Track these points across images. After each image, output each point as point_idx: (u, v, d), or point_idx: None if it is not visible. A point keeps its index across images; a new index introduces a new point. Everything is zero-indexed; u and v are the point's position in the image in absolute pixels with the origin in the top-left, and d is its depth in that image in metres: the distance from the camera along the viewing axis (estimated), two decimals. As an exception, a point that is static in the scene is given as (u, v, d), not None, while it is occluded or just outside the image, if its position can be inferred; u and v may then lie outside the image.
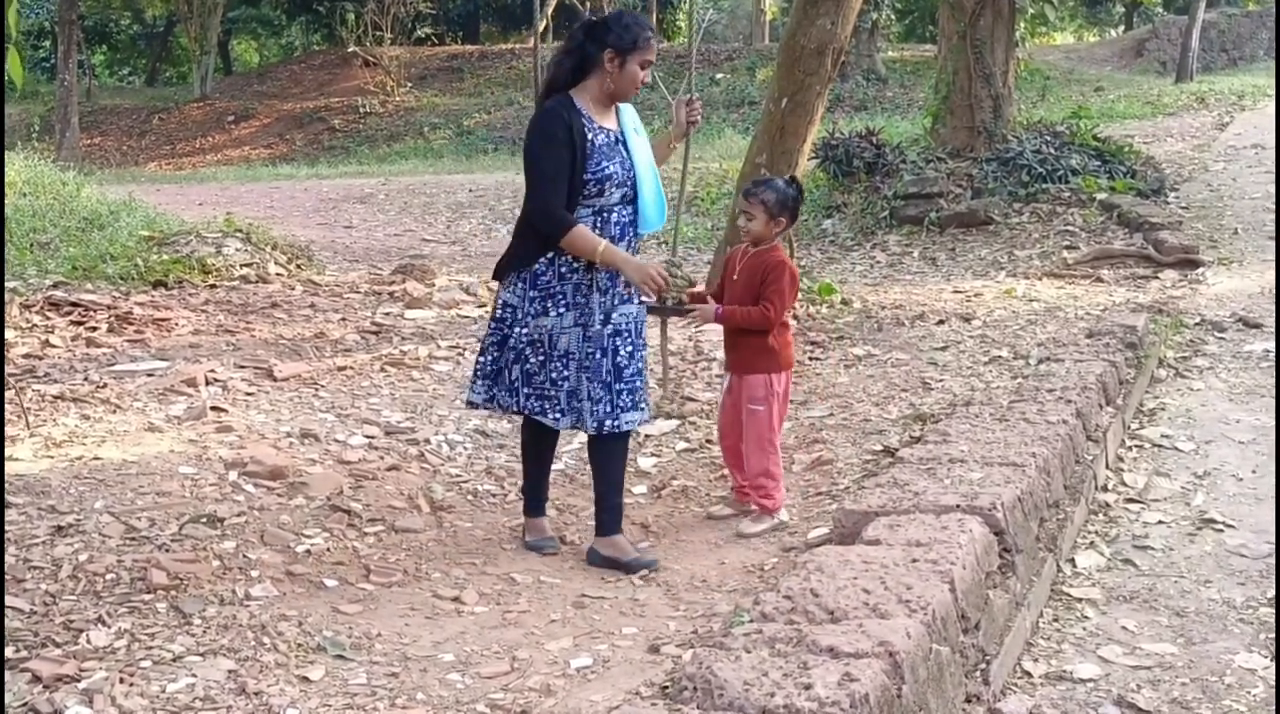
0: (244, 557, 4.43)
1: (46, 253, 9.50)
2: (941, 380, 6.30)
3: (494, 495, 5.29)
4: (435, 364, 7.03)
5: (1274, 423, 5.73)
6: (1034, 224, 11.12)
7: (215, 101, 31.76)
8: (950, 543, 3.80)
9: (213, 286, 8.90)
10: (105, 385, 6.35)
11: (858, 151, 12.91)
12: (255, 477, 5.17)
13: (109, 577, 4.20)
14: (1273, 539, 4.51)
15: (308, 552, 4.54)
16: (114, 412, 5.99)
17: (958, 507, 4.16)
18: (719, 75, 28.54)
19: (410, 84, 30.11)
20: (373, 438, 5.83)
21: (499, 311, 4.54)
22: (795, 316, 7.86)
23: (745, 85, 27.28)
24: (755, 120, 25.78)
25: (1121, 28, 38.55)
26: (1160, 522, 4.85)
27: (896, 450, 5.27)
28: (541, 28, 28.41)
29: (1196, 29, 25.71)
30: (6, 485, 4.74)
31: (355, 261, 11.26)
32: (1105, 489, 5.19)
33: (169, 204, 15.26)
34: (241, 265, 9.67)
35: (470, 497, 5.25)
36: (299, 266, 10.14)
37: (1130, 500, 5.07)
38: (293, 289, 8.93)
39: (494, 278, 4.66)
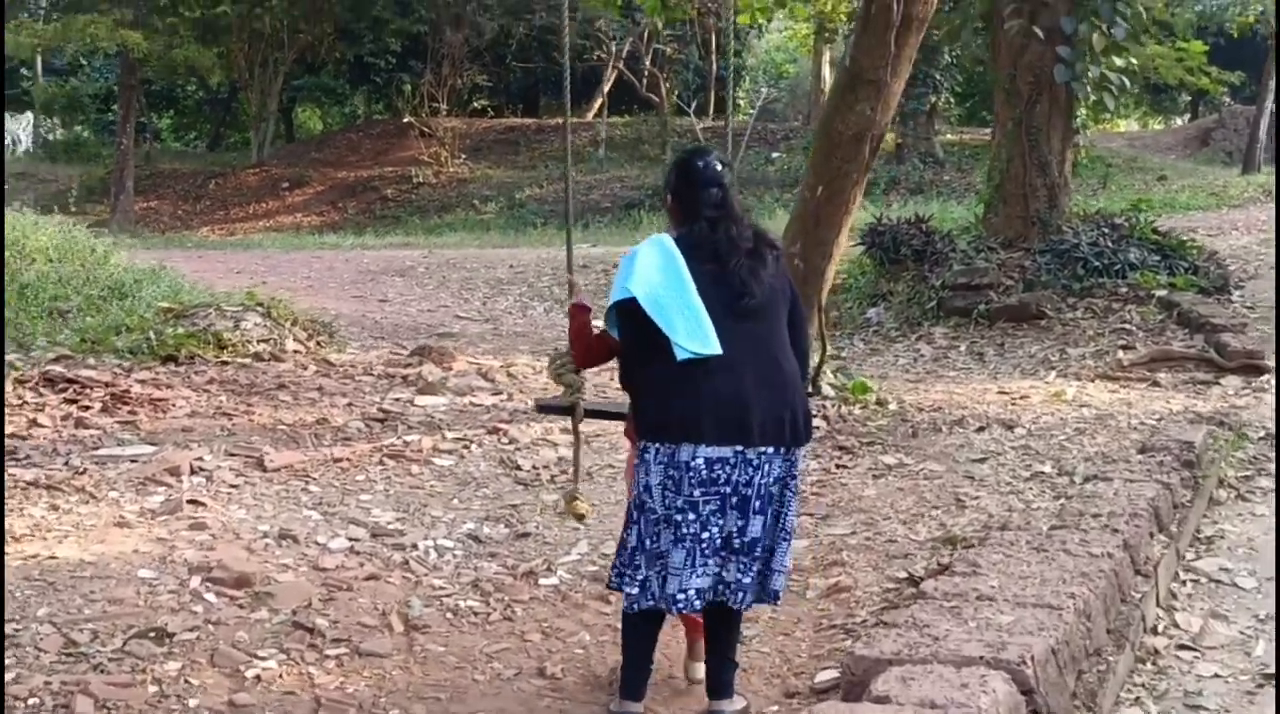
0: (185, 682, 4.01)
1: (62, 322, 9.25)
2: (977, 497, 5.79)
3: (476, 613, 4.82)
4: (438, 457, 6.62)
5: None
6: (1088, 321, 10.57)
7: (271, 168, 31.93)
8: (969, 706, 3.31)
9: (224, 363, 8.57)
10: (84, 471, 6.00)
11: (906, 238, 12.45)
12: (219, 584, 4.76)
13: (31, 702, 3.79)
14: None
15: (258, 677, 4.10)
16: (86, 502, 5.63)
17: (981, 659, 3.65)
18: (775, 154, 28.28)
19: (464, 155, 30.08)
20: (356, 541, 5.41)
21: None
22: (826, 417, 7.39)
23: (801, 165, 26.87)
24: (808, 201, 25.67)
25: (1187, 116, 37.96)
26: (1216, 675, 4.29)
27: (921, 580, 4.76)
28: (599, 104, 28.17)
29: (1265, 119, 25.09)
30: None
31: (380, 338, 10.92)
32: (1155, 631, 4.64)
33: (205, 272, 15.09)
34: (258, 341, 9.35)
35: (450, 614, 4.79)
36: (319, 343, 9.80)
37: (1183, 647, 4.52)
38: (305, 369, 8.58)
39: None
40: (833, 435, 7.03)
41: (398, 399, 7.76)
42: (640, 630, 3.87)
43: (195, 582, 4.76)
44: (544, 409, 4.68)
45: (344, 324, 11.54)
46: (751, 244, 3.81)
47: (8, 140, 44.83)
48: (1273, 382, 8.54)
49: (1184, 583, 5.11)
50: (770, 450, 3.69)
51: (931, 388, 8.75)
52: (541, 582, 5.12)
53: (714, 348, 3.67)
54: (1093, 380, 8.87)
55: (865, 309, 12.13)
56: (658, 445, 3.71)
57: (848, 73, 7.48)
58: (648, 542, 3.76)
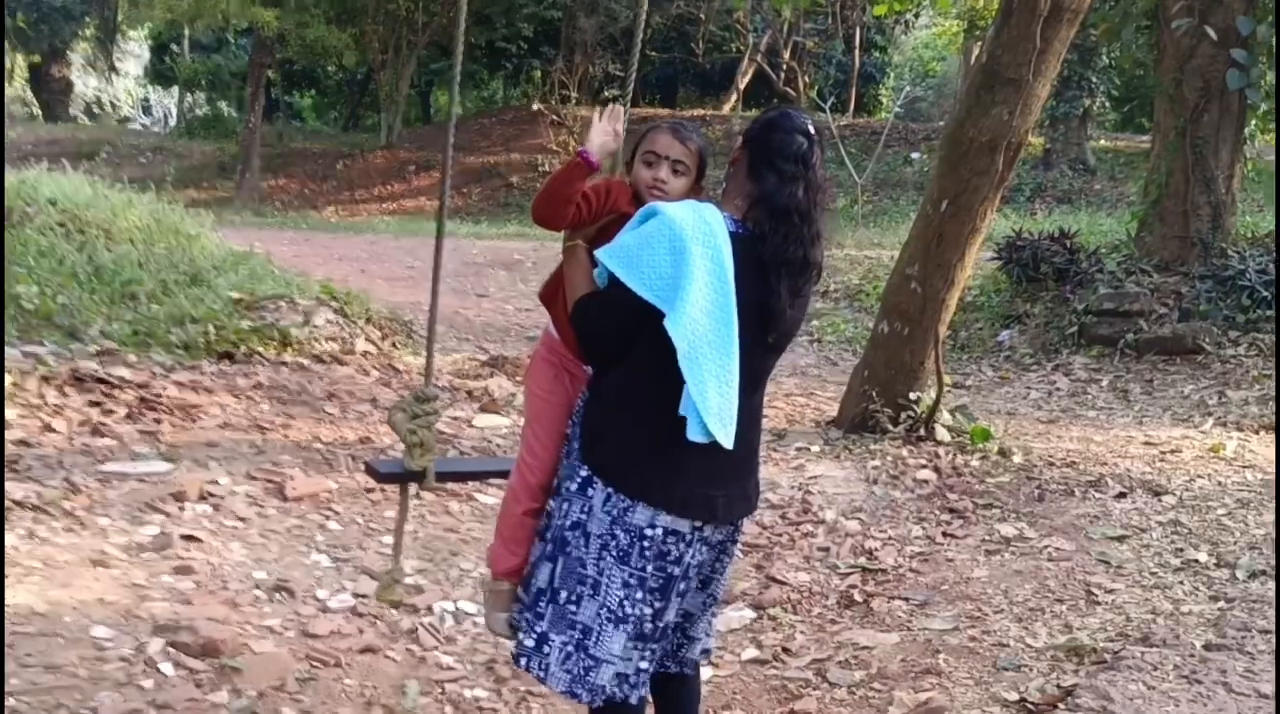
0: (93, 794, 3.24)
1: (127, 307, 8.67)
2: (1113, 591, 4.73)
3: (481, 708, 3.98)
4: (481, 493, 5.80)
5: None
6: (1253, 358, 9.31)
7: (400, 150, 31.62)
8: None
9: (282, 364, 7.90)
10: (82, 490, 5.32)
11: (1047, 255, 11.28)
12: (182, 650, 4.00)
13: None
14: None
15: (184, 792, 3.32)
16: (70, 530, 4.93)
17: None
18: (914, 155, 26.96)
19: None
20: (362, 600, 4.61)
21: None
22: (938, 470, 6.37)
23: (941, 168, 25.59)
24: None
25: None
26: None
27: (1037, 709, 3.77)
28: (734, 99, 27.19)
29: None
30: None
31: (465, 339, 10.18)
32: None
33: (307, 257, 14.58)
34: (326, 339, 8.68)
35: (450, 706, 3.96)
36: (393, 345, 9.10)
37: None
38: (366, 375, 7.85)
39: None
40: (943, 493, 6.00)
41: (455, 418, 6.97)
42: None
43: (155, 646, 4.01)
44: (379, 475, 3.70)
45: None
46: (820, 237, 2.88)
47: (156, 115, 45.77)
48: None
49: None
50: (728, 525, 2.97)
51: (1066, 432, 7.63)
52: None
53: (731, 440, 2.76)
54: (1257, 432, 7.65)
55: (998, 331, 11.03)
56: (609, 489, 2.84)
57: (984, 70, 6.44)
58: (563, 595, 2.90)
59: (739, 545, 3.14)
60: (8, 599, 4.24)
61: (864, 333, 10.49)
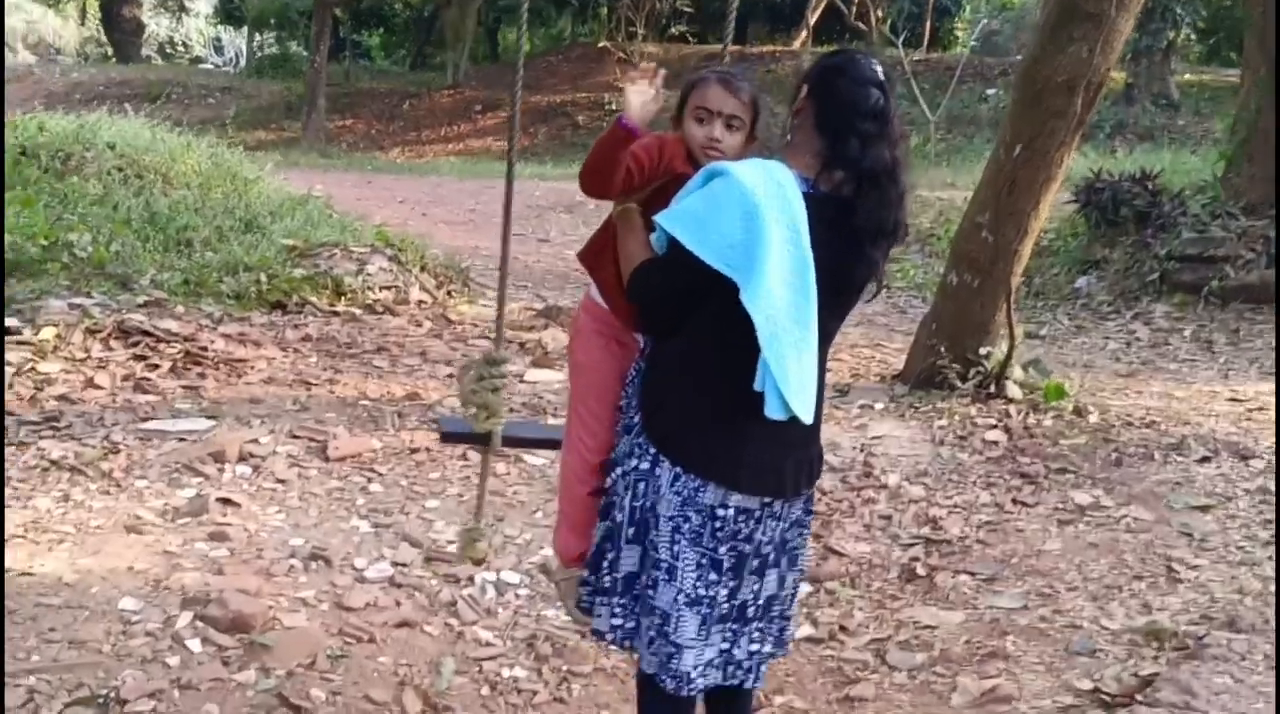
0: (108, 783, 3.10)
1: (181, 255, 8.55)
2: (1196, 567, 4.42)
3: (520, 689, 3.79)
4: (530, 455, 5.59)
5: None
6: (1348, 308, 8.85)
7: (466, 90, 31.36)
8: None
9: (334, 313, 7.74)
10: (121, 449, 5.19)
11: (1128, 197, 10.77)
12: (211, 625, 3.85)
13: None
14: None
15: (204, 781, 3.17)
16: (106, 492, 4.81)
17: None
18: (989, 91, 26.19)
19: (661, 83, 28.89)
20: (401, 569, 4.43)
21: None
22: (1008, 429, 6.05)
23: (1017, 104, 24.84)
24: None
25: None
26: None
27: (1113, 701, 3.51)
28: (804, 35, 26.54)
29: None
30: None
31: (523, 286, 9.96)
32: None
33: (368, 199, 14.46)
34: (380, 288, 8.52)
35: (486, 688, 3.78)
36: (449, 293, 8.91)
37: None
38: (418, 326, 7.67)
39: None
40: (1013, 455, 5.69)
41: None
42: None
43: (184, 620, 3.86)
44: (449, 437, 3.64)
45: (491, 267, 10.64)
46: (905, 194, 2.65)
47: (228, 54, 45.83)
48: None
49: None
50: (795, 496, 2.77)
51: (1145, 387, 7.27)
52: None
53: (810, 415, 2.56)
54: (1351, 387, 7.24)
55: (1074, 277, 10.59)
56: (677, 468, 2.65)
57: (1062, 4, 6.02)
58: (642, 579, 2.76)
59: (811, 516, 2.91)
60: (38, 568, 4.13)
61: (934, 280, 10.10)
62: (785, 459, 2.68)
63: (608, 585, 2.82)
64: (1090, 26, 5.80)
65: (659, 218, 2.63)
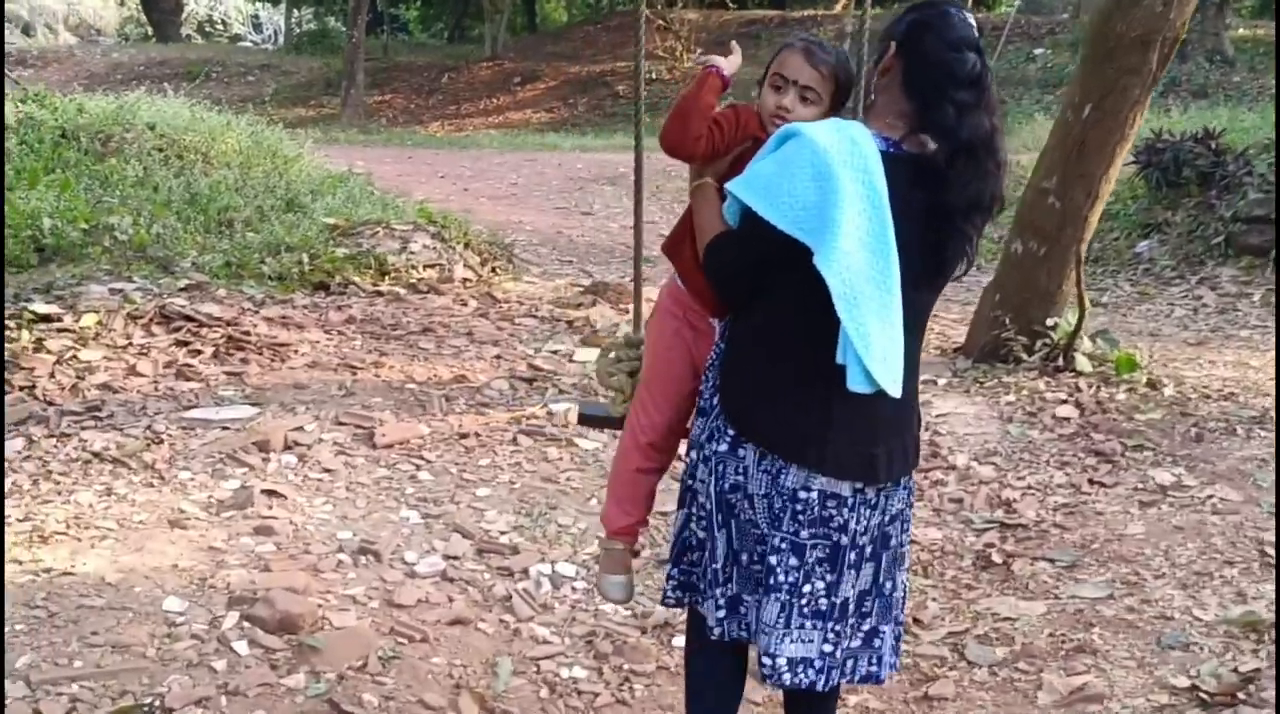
0: (154, 799, 2.95)
1: (222, 236, 8.42)
2: (1291, 551, 4.19)
3: (580, 691, 3.62)
4: (584, 436, 5.41)
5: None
6: None
7: (505, 62, 31.11)
8: None
9: (378, 293, 7.58)
10: (164, 440, 5.06)
11: (1190, 158, 10.43)
12: (258, 626, 3.70)
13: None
14: None
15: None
16: (150, 485, 4.67)
17: None
18: (1037, 51, 25.66)
19: (701, 50, 28.52)
20: (454, 561, 4.27)
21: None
22: (1079, 405, 5.80)
23: (1067, 64, 24.28)
24: (1073, 104, 23.06)
25: None
26: None
27: (1213, 700, 3.28)
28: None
29: None
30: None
31: (569, 262, 9.77)
32: None
33: (409, 175, 14.30)
34: (425, 266, 8.35)
35: (546, 689, 3.60)
36: (493, 270, 8.73)
37: None
38: (463, 305, 7.49)
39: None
40: (1087, 432, 5.44)
41: (555, 352, 6.57)
42: (707, 683, 2.77)
43: (230, 620, 3.71)
44: (586, 420, 3.50)
45: (534, 242, 10.48)
46: (1003, 164, 2.47)
47: (266, 31, 45.81)
48: None
49: None
50: (891, 484, 2.57)
51: (1218, 356, 6.98)
52: (678, 642, 3.86)
53: (899, 389, 2.38)
54: None
55: (1135, 242, 10.27)
56: (760, 449, 2.50)
57: (1134, -44, 5.74)
58: (744, 556, 2.62)
59: (912, 510, 2.72)
60: (80, 567, 3.99)
61: (991, 246, 9.83)
62: (875, 442, 2.48)
63: (709, 577, 2.64)
64: (1165, -21, 5.52)
65: (729, 185, 2.48)
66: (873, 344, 2.31)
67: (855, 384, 2.33)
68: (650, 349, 2.93)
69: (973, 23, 2.43)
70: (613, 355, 3.23)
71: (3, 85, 10.18)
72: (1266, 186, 9.81)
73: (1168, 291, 9.21)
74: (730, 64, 2.71)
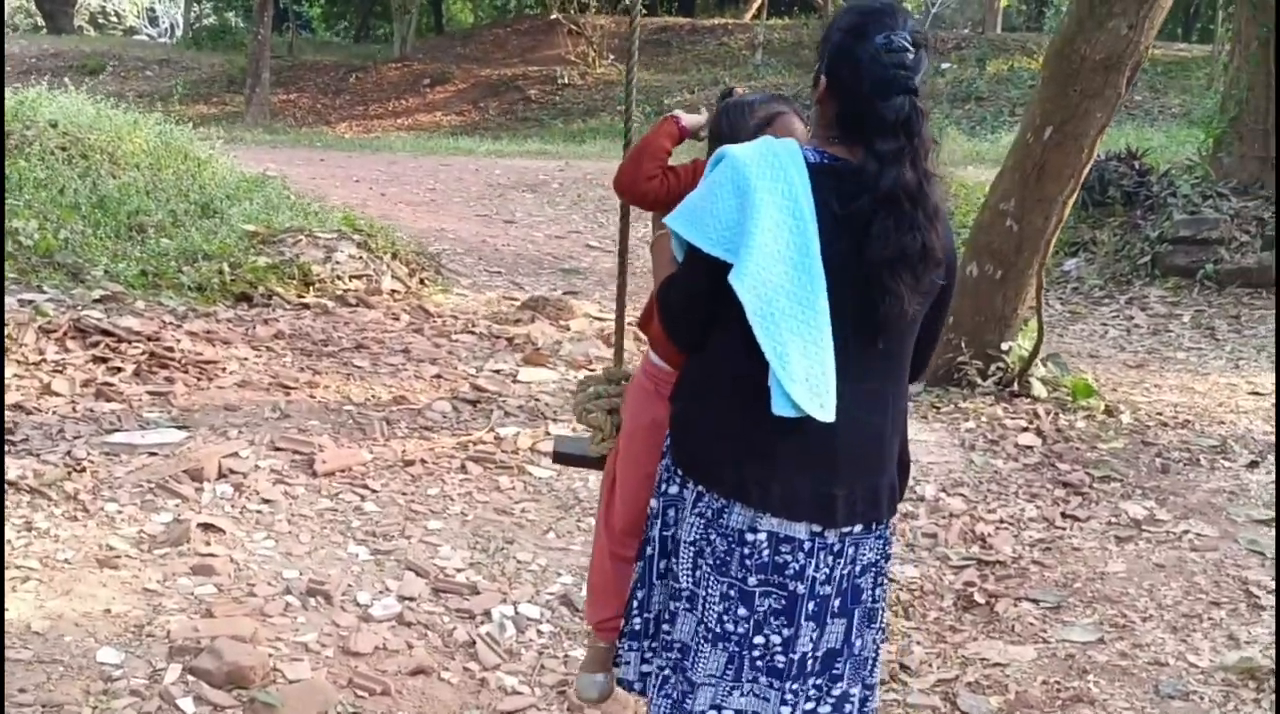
0: None
1: (134, 242, 7.99)
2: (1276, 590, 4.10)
3: (558, 749, 3.38)
4: (535, 464, 5.16)
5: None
6: (1349, 292, 8.63)
7: (414, 63, 30.61)
8: None
9: (304, 306, 7.24)
10: (85, 467, 4.69)
11: (1115, 178, 10.52)
12: (204, 678, 3.39)
13: None
14: None
15: None
16: (73, 518, 4.32)
17: None
18: (945, 65, 25.94)
19: (613, 56, 28.35)
20: (409, 602, 3.99)
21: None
22: (1040, 433, 5.70)
23: (973, 79, 24.64)
24: (981, 120, 23.25)
25: None
26: None
27: (1221, 756, 3.15)
28: (757, 5, 26.21)
29: None
30: None
31: (497, 272, 9.49)
32: None
33: (323, 179, 13.87)
34: (350, 277, 8.02)
35: (519, 747, 3.36)
36: (421, 282, 8.43)
37: None
38: (396, 320, 7.19)
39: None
40: (1052, 462, 5.34)
41: (497, 371, 6.31)
42: None
43: (172, 674, 3.40)
44: (562, 458, 3.25)
45: (459, 252, 10.18)
46: (935, 206, 2.22)
47: (163, 25, 44.65)
48: None
49: None
50: (859, 529, 2.31)
51: (1162, 380, 6.96)
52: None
53: (829, 413, 2.15)
54: (1367, 377, 6.98)
55: (1062, 260, 10.30)
56: (699, 488, 2.29)
57: (1099, -23, 5.66)
58: (654, 602, 2.47)
59: (889, 562, 2.49)
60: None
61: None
62: (834, 481, 2.24)
63: (637, 628, 2.48)
64: (1132, 2, 5.43)
65: (665, 219, 2.32)
66: (791, 364, 2.12)
67: (779, 408, 2.13)
68: (624, 421, 2.80)
69: (908, 43, 2.18)
70: (591, 390, 3.04)
71: (2, 85, 9.62)
72: (1191, 207, 9.91)
73: (1098, 311, 9.23)
74: (691, 120, 2.75)
